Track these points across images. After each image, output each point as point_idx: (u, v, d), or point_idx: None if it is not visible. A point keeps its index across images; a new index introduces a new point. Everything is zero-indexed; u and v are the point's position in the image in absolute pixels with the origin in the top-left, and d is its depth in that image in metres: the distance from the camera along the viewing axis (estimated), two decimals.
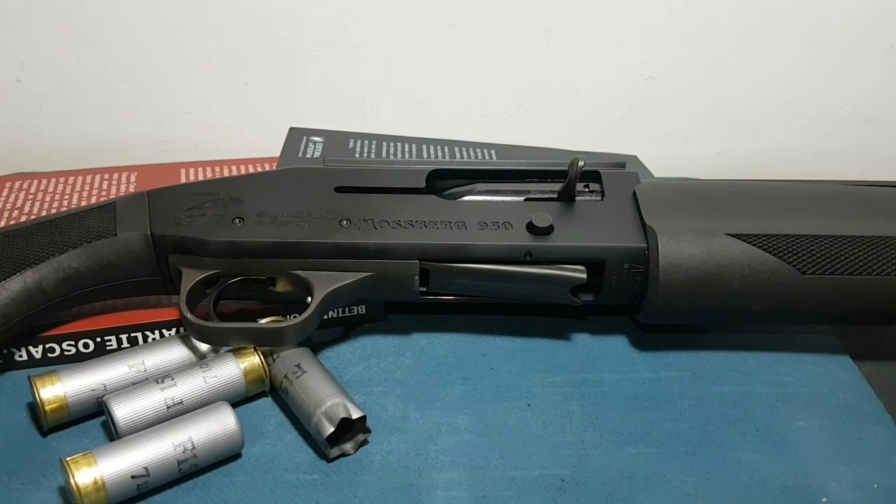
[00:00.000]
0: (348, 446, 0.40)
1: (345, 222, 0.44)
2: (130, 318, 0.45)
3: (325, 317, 0.47)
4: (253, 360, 0.42)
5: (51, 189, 0.56)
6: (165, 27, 0.64)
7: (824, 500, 0.39)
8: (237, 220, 0.44)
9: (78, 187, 0.56)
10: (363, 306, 0.49)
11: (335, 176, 0.47)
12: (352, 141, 0.57)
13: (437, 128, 0.67)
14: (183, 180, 0.57)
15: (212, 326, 0.42)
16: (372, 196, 0.46)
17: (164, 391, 0.40)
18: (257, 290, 0.45)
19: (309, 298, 0.43)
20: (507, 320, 0.50)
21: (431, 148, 0.58)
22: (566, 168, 0.46)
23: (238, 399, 0.42)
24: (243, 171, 0.59)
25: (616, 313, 0.50)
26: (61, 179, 0.57)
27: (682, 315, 0.46)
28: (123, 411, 0.39)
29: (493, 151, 0.59)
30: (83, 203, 0.54)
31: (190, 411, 0.39)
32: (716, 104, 0.70)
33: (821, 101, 0.70)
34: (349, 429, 0.40)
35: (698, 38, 0.66)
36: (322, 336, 0.48)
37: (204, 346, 0.43)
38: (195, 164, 0.60)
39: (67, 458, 0.36)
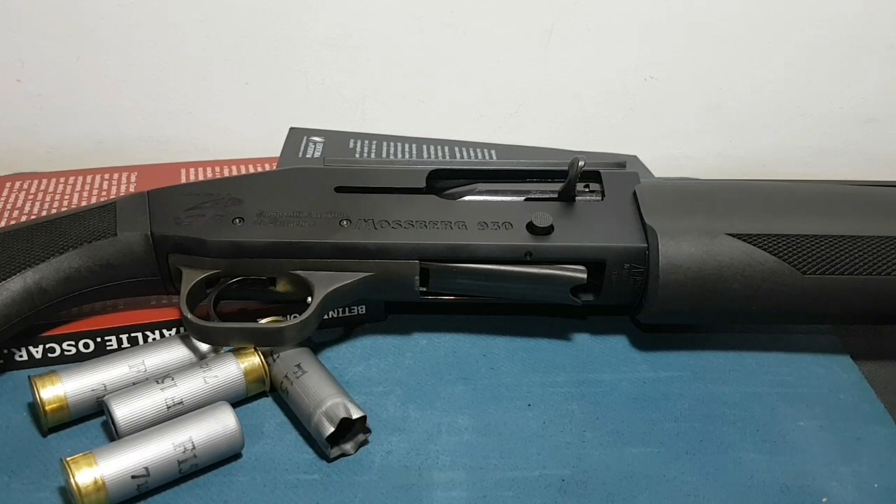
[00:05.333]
0: (348, 446, 0.40)
1: (345, 222, 0.44)
2: (130, 318, 0.45)
3: (326, 317, 0.47)
4: (253, 360, 0.42)
5: (51, 189, 0.56)
6: (165, 27, 0.64)
7: (824, 500, 0.39)
8: (237, 220, 0.44)
9: (78, 187, 0.56)
10: (363, 306, 0.49)
11: (335, 176, 0.47)
12: (352, 141, 0.57)
13: (437, 128, 0.67)
14: (183, 180, 0.57)
15: (212, 326, 0.42)
16: (372, 196, 0.46)
17: (164, 391, 0.40)
18: (257, 290, 0.45)
19: (309, 298, 0.43)
20: (507, 320, 0.50)
21: (431, 148, 0.58)
22: (566, 168, 0.46)
23: (238, 399, 0.42)
24: (243, 171, 0.59)
25: (616, 313, 0.50)
26: (61, 179, 0.57)
27: (683, 315, 0.46)
28: (123, 411, 0.39)
29: (493, 151, 0.59)
30: (83, 203, 0.54)
31: (190, 411, 0.39)
32: (716, 104, 0.70)
33: (821, 101, 0.70)
34: (349, 429, 0.40)
35: (698, 38, 0.66)
36: (322, 336, 0.48)
37: (204, 346, 0.43)
38: (195, 164, 0.60)
39: (67, 458, 0.36)
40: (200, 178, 0.58)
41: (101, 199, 0.53)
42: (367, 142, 0.57)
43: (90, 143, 0.68)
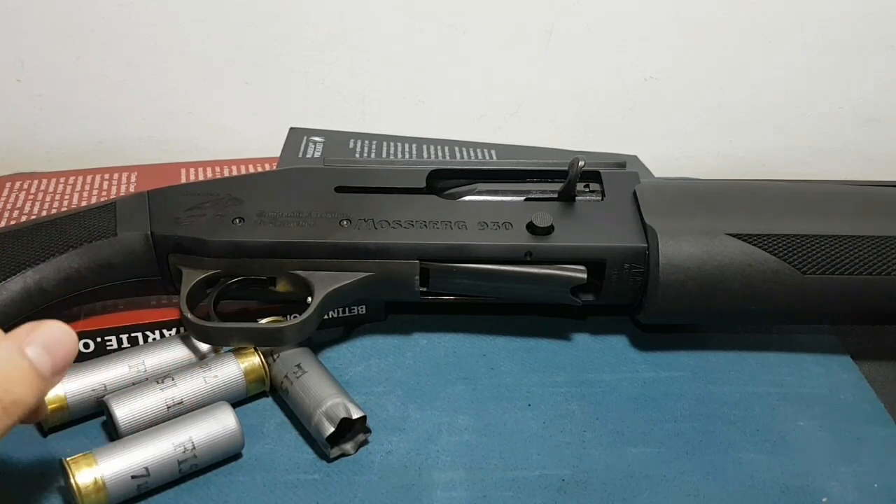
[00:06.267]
0: (348, 446, 0.40)
1: (345, 222, 0.44)
2: (130, 318, 0.45)
3: (326, 317, 0.47)
4: (253, 360, 0.42)
5: (51, 189, 0.56)
6: (165, 27, 0.64)
7: (824, 500, 0.39)
8: (237, 220, 0.44)
9: (78, 187, 0.56)
10: (363, 306, 0.49)
11: (335, 176, 0.47)
12: (352, 141, 0.57)
13: (437, 128, 0.67)
14: (183, 180, 0.57)
15: (212, 326, 0.42)
16: (372, 196, 0.46)
17: (164, 391, 0.40)
18: (257, 290, 0.45)
19: (309, 298, 0.43)
20: (507, 320, 0.50)
21: (431, 148, 0.58)
22: (566, 168, 0.46)
23: (238, 399, 0.42)
24: (243, 171, 0.59)
25: (616, 313, 0.50)
26: (61, 179, 0.57)
27: (683, 315, 0.46)
28: (124, 411, 0.39)
29: (493, 151, 0.59)
30: (83, 203, 0.54)
31: (190, 411, 0.39)
32: (716, 104, 0.70)
33: (821, 101, 0.70)
34: (349, 429, 0.40)
35: (698, 38, 0.66)
36: (322, 336, 0.48)
37: (204, 346, 0.43)
38: (195, 164, 0.60)
39: (68, 458, 0.36)
40: (200, 178, 0.58)
41: (101, 199, 0.53)
42: (367, 142, 0.57)
43: (90, 143, 0.68)
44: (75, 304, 0.44)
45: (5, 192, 0.55)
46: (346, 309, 0.48)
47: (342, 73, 0.67)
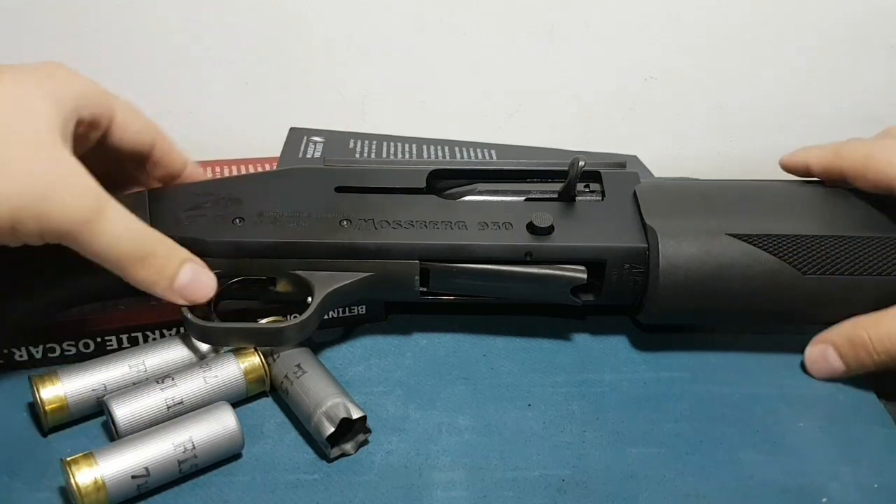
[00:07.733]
0: (349, 446, 0.40)
1: (345, 222, 0.44)
2: (130, 318, 0.45)
3: (326, 317, 0.47)
4: (253, 360, 0.42)
5: None
6: (166, 27, 0.64)
7: (824, 500, 0.39)
8: (237, 221, 0.44)
9: None
10: (363, 306, 0.49)
11: (335, 176, 0.47)
12: (352, 141, 0.57)
13: (437, 128, 0.67)
14: None
15: (212, 326, 0.42)
16: (372, 196, 0.46)
17: (164, 391, 0.40)
18: (258, 291, 0.45)
19: (309, 298, 0.43)
20: (507, 320, 0.50)
21: (431, 148, 0.58)
22: (566, 168, 0.46)
23: (238, 399, 0.42)
24: (243, 171, 0.59)
25: (616, 313, 0.50)
26: None
27: (683, 315, 0.46)
28: (124, 411, 0.39)
29: (493, 151, 0.59)
30: None
31: (190, 411, 0.39)
32: (716, 104, 0.70)
33: (821, 101, 0.70)
34: (349, 429, 0.40)
35: (699, 39, 0.66)
36: (322, 336, 0.48)
37: (204, 346, 0.43)
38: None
39: (67, 458, 0.36)
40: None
41: None
42: (367, 142, 0.57)
43: None
44: (75, 304, 0.44)
45: None
46: (346, 309, 0.48)
47: (342, 73, 0.67)
